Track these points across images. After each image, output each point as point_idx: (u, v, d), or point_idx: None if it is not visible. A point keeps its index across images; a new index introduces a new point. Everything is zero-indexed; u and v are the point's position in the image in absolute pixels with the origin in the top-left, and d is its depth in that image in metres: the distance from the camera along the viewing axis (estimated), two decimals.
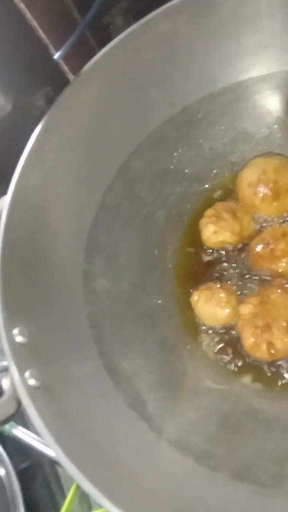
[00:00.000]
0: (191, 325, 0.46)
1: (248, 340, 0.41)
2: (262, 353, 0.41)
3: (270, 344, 0.40)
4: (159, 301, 0.47)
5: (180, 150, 0.49)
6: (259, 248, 0.44)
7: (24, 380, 0.32)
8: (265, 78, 0.46)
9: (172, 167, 0.49)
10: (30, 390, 0.32)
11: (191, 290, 0.46)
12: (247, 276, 0.46)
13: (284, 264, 0.43)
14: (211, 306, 0.44)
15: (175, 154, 0.49)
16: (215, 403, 0.41)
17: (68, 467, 0.30)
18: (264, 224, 0.47)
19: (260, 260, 0.44)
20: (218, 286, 0.44)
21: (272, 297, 0.42)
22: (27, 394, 0.32)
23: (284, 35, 0.43)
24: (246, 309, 0.42)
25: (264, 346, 0.40)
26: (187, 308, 0.47)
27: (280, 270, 0.44)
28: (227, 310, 0.43)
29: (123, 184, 0.47)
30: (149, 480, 0.33)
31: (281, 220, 0.47)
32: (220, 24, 0.43)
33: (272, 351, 0.40)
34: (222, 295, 0.44)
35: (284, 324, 0.40)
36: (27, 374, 0.33)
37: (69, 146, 0.43)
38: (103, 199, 0.46)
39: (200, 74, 0.46)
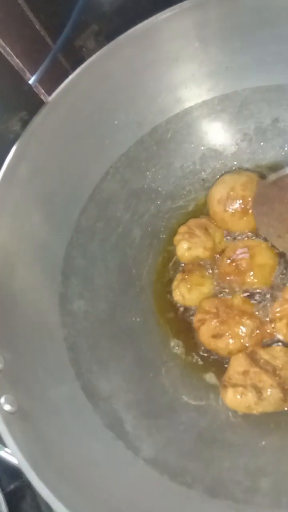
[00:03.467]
0: (169, 341, 0.47)
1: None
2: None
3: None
4: (137, 319, 0.47)
5: (152, 169, 0.50)
6: (224, 266, 0.45)
7: None
8: (229, 96, 0.47)
9: (145, 186, 0.50)
10: (6, 416, 0.33)
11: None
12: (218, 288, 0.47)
13: (249, 278, 0.44)
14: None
15: (147, 173, 0.50)
16: (192, 419, 0.41)
17: (42, 491, 0.31)
18: (235, 240, 0.48)
19: (227, 275, 0.45)
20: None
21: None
22: (2, 420, 0.33)
23: (243, 55, 0.44)
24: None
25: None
26: (166, 324, 0.48)
27: (245, 285, 0.45)
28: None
29: (97, 205, 0.48)
30: (125, 500, 0.34)
31: (251, 235, 0.47)
32: (181, 47, 0.44)
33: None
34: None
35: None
36: (2, 400, 0.33)
37: (41, 170, 0.44)
38: (78, 221, 0.47)
39: (166, 95, 0.47)
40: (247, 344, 0.43)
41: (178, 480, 0.36)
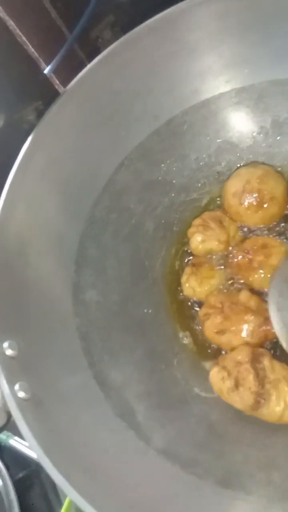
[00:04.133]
0: (180, 333, 0.47)
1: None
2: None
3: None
4: (149, 311, 0.47)
5: (167, 162, 0.50)
6: (238, 258, 0.45)
7: (13, 393, 0.33)
8: (246, 89, 0.47)
9: (159, 178, 0.50)
10: (20, 403, 0.33)
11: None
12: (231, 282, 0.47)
13: (257, 276, 0.44)
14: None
15: (162, 165, 0.50)
16: (203, 411, 0.41)
17: (56, 477, 0.31)
18: (250, 234, 0.48)
19: (239, 269, 0.45)
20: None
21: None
22: (16, 407, 0.33)
23: (261, 48, 0.44)
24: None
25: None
26: (177, 317, 0.48)
27: (254, 282, 0.45)
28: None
29: (111, 196, 0.48)
30: (136, 489, 0.34)
31: (267, 229, 0.47)
32: (200, 38, 0.44)
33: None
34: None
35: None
36: (16, 387, 0.34)
37: (56, 161, 0.44)
38: (92, 212, 0.47)
39: (183, 87, 0.47)
40: (249, 341, 0.42)
41: (189, 470, 0.36)
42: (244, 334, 0.42)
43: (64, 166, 0.45)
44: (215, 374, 0.41)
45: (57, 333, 0.41)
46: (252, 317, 0.43)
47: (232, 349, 0.43)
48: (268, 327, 0.42)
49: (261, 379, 0.38)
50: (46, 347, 0.39)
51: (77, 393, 0.39)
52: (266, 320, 0.43)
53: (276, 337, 0.41)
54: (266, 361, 0.39)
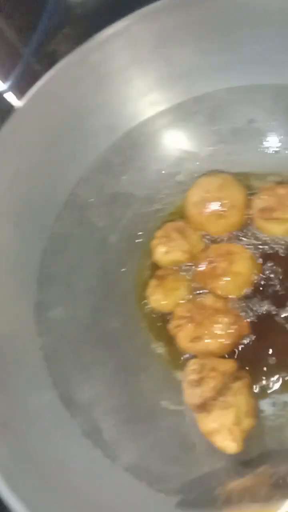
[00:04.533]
0: (151, 345, 0.47)
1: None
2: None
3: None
4: (119, 324, 0.47)
5: (127, 174, 0.49)
6: (202, 266, 0.45)
7: None
8: (203, 98, 0.47)
9: (121, 190, 0.50)
10: None
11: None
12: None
13: (222, 283, 0.44)
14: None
15: (123, 177, 0.49)
16: (172, 424, 0.41)
17: (14, 505, 0.30)
18: (213, 243, 0.48)
19: (203, 278, 0.45)
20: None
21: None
22: None
23: (215, 57, 0.44)
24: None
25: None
26: (149, 328, 0.48)
27: (219, 289, 0.45)
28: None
29: (73, 211, 0.47)
30: (104, 508, 0.34)
31: (229, 237, 0.47)
32: (151, 49, 0.44)
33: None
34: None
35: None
36: None
37: (14, 178, 0.44)
38: (53, 229, 0.46)
39: (139, 99, 0.47)
40: (226, 342, 0.42)
41: (156, 486, 0.36)
42: (219, 336, 0.42)
43: (22, 183, 0.44)
44: (192, 363, 0.41)
45: (21, 353, 0.40)
46: (223, 317, 0.43)
47: (211, 353, 0.43)
48: (241, 323, 0.43)
49: (217, 392, 0.38)
50: (9, 368, 0.39)
51: (42, 414, 0.38)
52: (237, 317, 0.43)
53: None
54: (237, 385, 0.39)
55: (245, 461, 0.37)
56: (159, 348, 0.46)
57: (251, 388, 0.40)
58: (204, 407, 0.37)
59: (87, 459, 0.37)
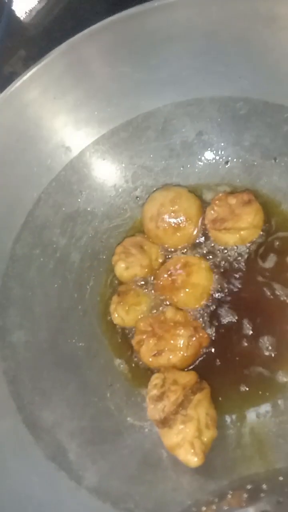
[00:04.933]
0: (114, 363, 0.47)
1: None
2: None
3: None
4: (81, 344, 0.47)
5: (85, 191, 0.50)
6: (162, 279, 0.45)
7: None
8: (152, 113, 0.47)
9: (80, 208, 0.50)
10: None
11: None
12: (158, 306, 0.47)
13: (182, 295, 0.44)
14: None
15: (81, 195, 0.50)
16: (137, 441, 0.41)
17: None
18: (171, 255, 0.48)
19: (163, 290, 0.45)
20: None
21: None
22: None
23: (158, 72, 0.44)
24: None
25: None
26: (111, 345, 0.48)
27: (179, 301, 0.45)
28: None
29: (31, 232, 0.47)
30: None
31: (187, 248, 0.48)
32: (97, 69, 0.44)
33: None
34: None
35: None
36: None
37: None
38: (13, 250, 0.46)
39: (90, 118, 0.47)
40: (186, 354, 0.43)
41: (120, 506, 0.36)
42: (179, 349, 0.43)
43: None
44: (153, 378, 0.42)
45: None
46: (183, 329, 0.43)
47: (173, 366, 0.43)
48: (201, 335, 0.43)
49: (178, 405, 0.38)
50: None
51: (5, 440, 0.38)
52: (197, 329, 0.43)
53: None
54: (197, 397, 0.39)
55: (210, 473, 0.37)
56: (123, 365, 0.46)
57: (211, 399, 0.40)
58: (166, 421, 0.38)
59: (52, 483, 0.37)
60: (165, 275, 0.46)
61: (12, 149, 0.46)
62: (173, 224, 0.46)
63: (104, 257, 0.51)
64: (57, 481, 0.37)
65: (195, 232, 0.47)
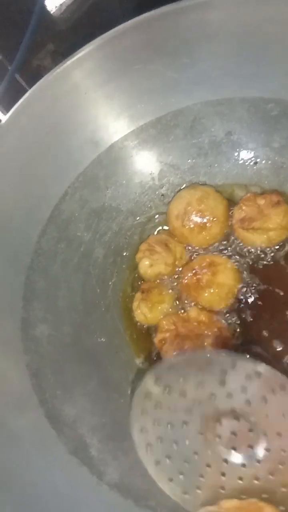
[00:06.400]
0: (135, 360, 0.47)
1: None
2: None
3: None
4: (103, 339, 0.47)
5: (111, 187, 0.50)
6: (186, 278, 0.45)
7: None
8: (182, 111, 0.47)
9: (105, 204, 0.50)
10: None
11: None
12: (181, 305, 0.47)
13: (207, 295, 0.44)
14: None
15: (107, 191, 0.50)
16: None
17: None
18: (196, 254, 0.48)
19: (187, 290, 0.45)
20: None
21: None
22: None
23: (190, 71, 0.44)
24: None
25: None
26: (132, 342, 0.48)
27: (203, 301, 0.45)
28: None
29: (57, 226, 0.47)
30: None
31: (212, 248, 0.47)
32: (130, 63, 0.44)
33: None
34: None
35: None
36: None
37: None
38: (38, 244, 0.46)
39: (120, 113, 0.47)
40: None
41: (142, 503, 0.36)
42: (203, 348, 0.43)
43: (6, 199, 0.45)
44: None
45: (6, 372, 0.40)
46: (207, 330, 0.43)
47: None
48: (225, 335, 0.43)
49: None
50: None
51: (27, 433, 0.38)
52: (221, 329, 0.43)
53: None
54: None
55: None
56: (144, 362, 0.46)
57: None
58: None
59: (73, 478, 0.37)
60: (190, 274, 0.45)
61: (41, 142, 0.46)
62: (199, 223, 0.46)
63: (128, 254, 0.51)
64: (79, 475, 0.37)
65: (221, 232, 0.47)
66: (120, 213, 0.51)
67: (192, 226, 0.46)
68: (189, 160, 0.49)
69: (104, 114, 0.47)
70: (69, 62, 0.44)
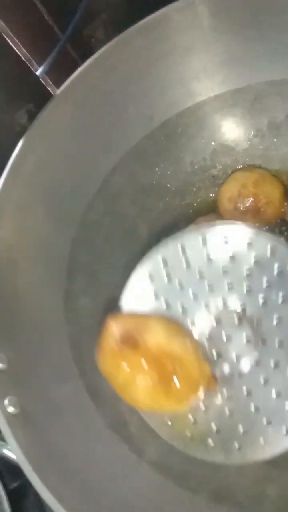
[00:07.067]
0: None
1: None
2: None
3: None
4: None
5: (161, 165, 0.49)
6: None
7: (2, 409, 0.32)
8: (242, 90, 0.46)
9: (154, 182, 0.49)
10: (9, 418, 0.32)
11: None
12: None
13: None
14: None
15: (156, 169, 0.49)
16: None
17: (45, 495, 0.30)
18: None
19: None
20: None
21: None
22: (6, 423, 0.32)
23: (257, 46, 0.43)
24: None
25: None
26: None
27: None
28: None
29: (104, 200, 0.47)
30: (129, 504, 0.33)
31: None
32: (193, 38, 0.43)
33: None
34: None
35: None
36: (6, 401, 0.33)
37: (48, 165, 0.43)
38: (84, 216, 0.46)
39: (177, 89, 0.46)
40: None
41: (182, 484, 0.35)
42: None
43: (56, 170, 0.44)
44: None
45: (48, 342, 0.40)
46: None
47: None
48: None
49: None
50: (36, 358, 0.38)
51: (68, 404, 0.38)
52: None
53: None
54: None
55: (275, 463, 0.36)
56: None
57: None
58: None
59: (113, 453, 0.36)
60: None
61: (95, 113, 0.45)
62: (253, 207, 0.45)
63: (172, 234, 0.50)
64: (119, 451, 0.36)
65: (274, 218, 0.45)
66: (168, 192, 0.50)
67: (244, 209, 0.45)
68: (245, 142, 0.48)
69: (162, 88, 0.46)
70: (132, 30, 0.42)
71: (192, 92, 0.46)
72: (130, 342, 0.35)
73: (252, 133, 0.48)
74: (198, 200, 0.50)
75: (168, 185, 0.49)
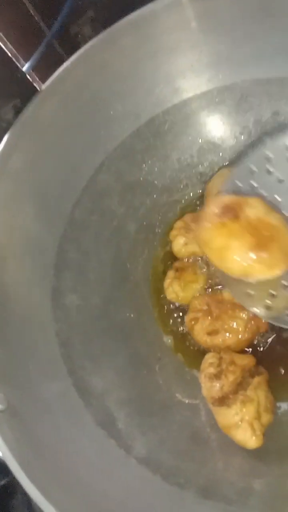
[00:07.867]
0: (163, 338, 0.46)
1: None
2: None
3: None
4: (132, 315, 0.47)
5: (148, 162, 0.49)
6: None
7: None
8: (229, 88, 0.46)
9: (141, 179, 0.49)
10: None
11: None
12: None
13: None
14: None
15: (143, 166, 0.49)
16: (186, 417, 0.40)
17: (32, 492, 0.30)
18: None
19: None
20: None
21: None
22: None
23: (244, 46, 0.43)
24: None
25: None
26: (161, 320, 0.47)
27: None
28: None
29: (91, 198, 0.46)
30: (117, 500, 0.33)
31: None
32: (180, 36, 0.43)
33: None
34: None
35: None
36: None
37: (34, 161, 0.43)
38: (72, 214, 0.45)
39: (164, 86, 0.46)
40: (243, 337, 0.42)
41: (170, 480, 0.35)
42: (236, 331, 0.42)
43: (43, 167, 0.44)
44: (208, 357, 0.41)
45: (36, 339, 0.40)
46: (241, 312, 0.42)
47: (227, 348, 0.42)
48: (259, 319, 0.42)
49: (238, 386, 0.37)
50: (24, 354, 0.38)
51: (56, 401, 0.37)
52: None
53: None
54: (257, 380, 0.38)
55: (261, 457, 0.37)
56: (171, 341, 0.45)
57: (269, 384, 0.40)
58: (223, 401, 0.37)
59: (101, 449, 0.36)
60: None
61: (82, 109, 0.45)
62: None
63: (160, 231, 0.50)
64: (107, 448, 0.36)
65: None
66: (155, 189, 0.50)
67: None
68: (231, 139, 0.48)
69: (147, 85, 0.46)
70: (119, 26, 0.42)
71: (178, 89, 0.46)
72: (231, 213, 0.36)
73: (239, 130, 0.48)
74: (186, 197, 0.50)
75: (155, 182, 0.49)
